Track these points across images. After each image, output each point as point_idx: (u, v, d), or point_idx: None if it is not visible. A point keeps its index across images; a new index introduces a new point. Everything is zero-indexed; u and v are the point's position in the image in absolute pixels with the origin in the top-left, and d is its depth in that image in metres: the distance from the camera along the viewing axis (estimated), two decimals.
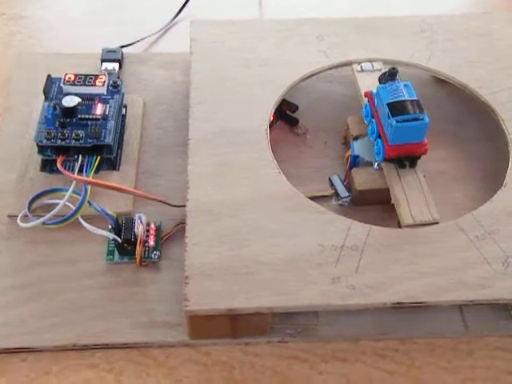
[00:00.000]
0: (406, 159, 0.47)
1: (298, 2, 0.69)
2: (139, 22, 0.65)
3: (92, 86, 0.51)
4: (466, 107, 0.55)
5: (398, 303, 0.40)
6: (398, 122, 0.45)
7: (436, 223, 0.44)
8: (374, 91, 0.49)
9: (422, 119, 0.46)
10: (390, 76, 0.49)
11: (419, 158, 0.47)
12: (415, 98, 0.47)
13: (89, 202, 0.46)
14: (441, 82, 0.55)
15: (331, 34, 0.56)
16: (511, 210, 0.44)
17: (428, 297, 0.40)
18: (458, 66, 0.53)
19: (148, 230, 0.46)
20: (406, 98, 0.47)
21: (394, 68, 0.49)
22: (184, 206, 0.44)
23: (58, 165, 0.48)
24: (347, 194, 0.49)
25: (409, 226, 0.44)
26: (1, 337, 0.42)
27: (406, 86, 0.48)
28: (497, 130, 0.50)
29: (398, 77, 0.49)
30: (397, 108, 0.46)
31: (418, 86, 0.50)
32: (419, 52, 0.55)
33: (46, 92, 0.50)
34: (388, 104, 0.46)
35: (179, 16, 0.66)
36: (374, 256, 0.42)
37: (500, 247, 0.42)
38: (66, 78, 0.51)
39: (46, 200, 0.47)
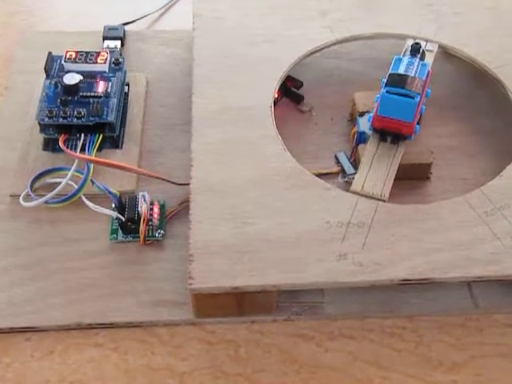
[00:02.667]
0: (389, 134, 0.47)
1: None
2: None
3: (93, 63, 0.50)
4: (474, 81, 0.54)
5: (406, 280, 0.39)
6: (387, 92, 0.45)
7: (383, 201, 0.44)
8: None
9: (412, 98, 0.45)
10: (412, 51, 0.48)
11: (404, 138, 0.47)
12: (420, 78, 0.46)
13: (91, 180, 0.45)
14: (449, 56, 0.54)
15: (335, 9, 0.55)
16: None
17: (436, 273, 0.39)
18: (467, 40, 0.52)
19: (152, 209, 0.46)
20: (412, 74, 0.46)
21: (417, 43, 0.48)
22: (188, 184, 0.44)
23: (61, 143, 0.47)
24: (353, 171, 0.48)
25: (355, 192, 0.44)
26: (5, 316, 0.42)
27: (422, 65, 0.47)
28: (506, 104, 0.49)
29: (420, 54, 0.48)
30: (395, 79, 0.45)
31: None
32: (427, 26, 0.53)
33: (47, 70, 0.50)
34: (390, 74, 0.46)
35: None
36: (381, 232, 0.41)
37: (510, 222, 0.41)
38: (67, 56, 0.50)
39: (49, 179, 0.47)
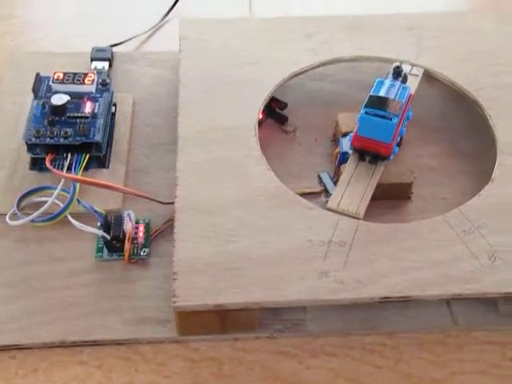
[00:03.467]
0: (368, 154, 0.48)
1: (287, 0, 0.69)
2: (129, 21, 0.65)
3: (81, 84, 0.51)
4: (454, 104, 0.55)
5: (385, 297, 0.40)
6: (366, 113, 0.46)
7: (358, 218, 0.44)
8: None
9: (390, 119, 0.46)
10: (393, 74, 0.49)
11: (383, 159, 0.48)
12: (399, 101, 0.47)
13: (77, 199, 0.46)
14: (430, 78, 0.55)
15: (320, 31, 0.56)
16: (498, 205, 0.44)
17: (415, 291, 0.40)
18: (446, 63, 0.54)
19: (137, 227, 0.46)
20: (392, 97, 0.47)
21: (398, 67, 0.49)
22: (173, 203, 0.44)
23: (47, 163, 0.48)
24: None
25: (330, 210, 0.45)
26: None
27: (403, 88, 0.48)
28: (484, 126, 0.51)
29: (401, 77, 0.49)
30: (374, 101, 0.46)
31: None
32: (408, 49, 0.55)
33: (35, 90, 0.50)
34: (370, 96, 0.47)
35: (169, 15, 0.66)
36: (362, 251, 0.42)
37: (487, 241, 0.42)
38: (55, 77, 0.51)
39: (35, 198, 0.48)
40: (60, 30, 0.65)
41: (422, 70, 0.53)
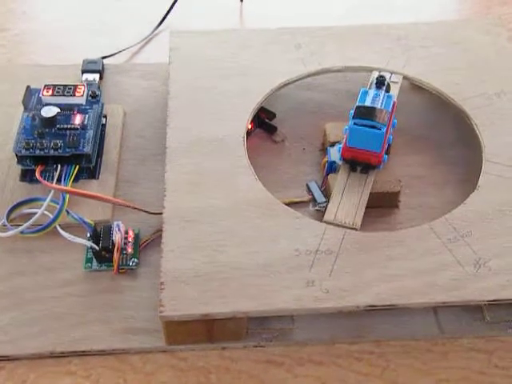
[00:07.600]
0: (359, 164, 0.48)
1: (277, 12, 0.70)
2: (120, 33, 0.66)
3: (71, 96, 0.52)
4: (441, 113, 0.56)
5: (371, 306, 0.40)
6: (355, 124, 0.46)
7: (355, 229, 0.45)
8: None
9: (379, 129, 0.46)
10: (377, 83, 0.50)
11: (373, 168, 0.48)
12: (386, 109, 0.47)
13: (67, 210, 0.46)
14: (417, 88, 0.55)
15: (308, 42, 0.57)
16: (483, 213, 0.45)
17: (400, 299, 0.40)
18: (433, 73, 0.54)
19: (126, 238, 0.46)
20: (378, 106, 0.47)
21: (381, 76, 0.50)
22: (161, 213, 0.45)
23: (37, 174, 0.48)
24: (324, 200, 0.49)
25: (328, 222, 0.45)
26: None
27: (388, 96, 0.49)
28: (471, 134, 0.51)
29: (385, 86, 0.49)
30: (362, 112, 0.47)
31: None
32: (395, 59, 0.55)
33: (25, 103, 0.51)
34: (357, 106, 0.47)
35: (160, 27, 0.67)
36: (348, 260, 0.42)
37: (472, 249, 0.43)
38: (46, 89, 0.52)
39: (25, 209, 0.48)
40: (51, 43, 0.65)
41: (401, 77, 0.54)
